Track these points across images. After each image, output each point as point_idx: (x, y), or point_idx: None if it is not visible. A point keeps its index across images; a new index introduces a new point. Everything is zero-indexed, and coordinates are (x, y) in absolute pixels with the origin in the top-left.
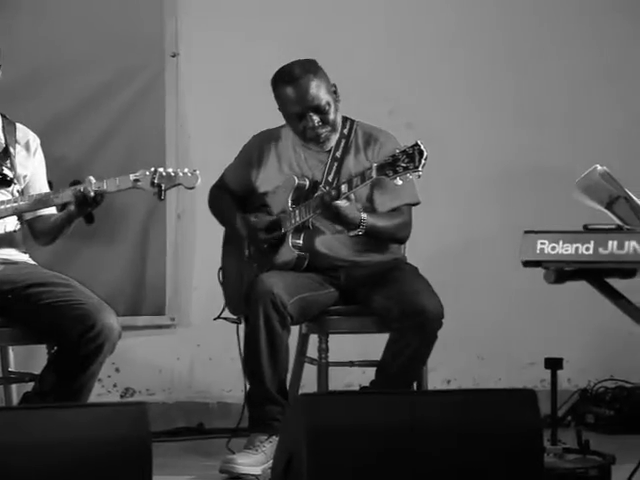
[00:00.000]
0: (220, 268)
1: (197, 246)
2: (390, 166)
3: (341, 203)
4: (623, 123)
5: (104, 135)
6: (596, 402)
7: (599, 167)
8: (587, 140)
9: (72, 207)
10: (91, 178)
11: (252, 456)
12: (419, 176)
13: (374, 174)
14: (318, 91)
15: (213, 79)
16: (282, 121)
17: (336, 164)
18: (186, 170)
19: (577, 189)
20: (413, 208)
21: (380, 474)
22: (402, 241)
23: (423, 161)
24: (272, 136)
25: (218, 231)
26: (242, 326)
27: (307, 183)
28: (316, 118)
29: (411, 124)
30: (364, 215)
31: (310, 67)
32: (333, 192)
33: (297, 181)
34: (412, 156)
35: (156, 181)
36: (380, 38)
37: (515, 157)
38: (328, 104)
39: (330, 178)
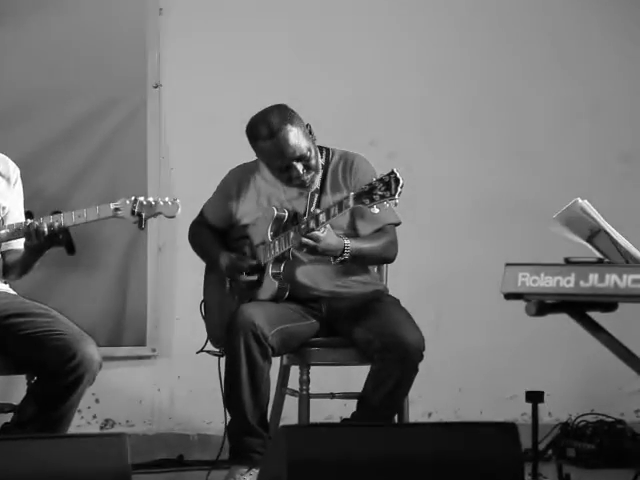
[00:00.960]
0: (202, 301)
1: (178, 277)
2: (367, 195)
3: (319, 233)
4: (605, 158)
5: (86, 165)
6: (577, 436)
7: (580, 200)
8: (568, 174)
9: (27, 242)
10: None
11: None
12: (395, 204)
13: (351, 203)
14: (298, 140)
15: (196, 111)
16: None
17: (317, 195)
18: (167, 199)
19: (557, 222)
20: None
21: None
22: (390, 260)
23: (399, 189)
24: (250, 169)
25: (199, 263)
26: (224, 359)
27: (286, 214)
28: (300, 167)
29: (393, 155)
30: (347, 240)
31: (285, 115)
32: (311, 223)
33: (276, 212)
34: (389, 184)
35: (136, 210)
36: (362, 68)
37: (497, 190)
38: (309, 150)
39: (313, 210)
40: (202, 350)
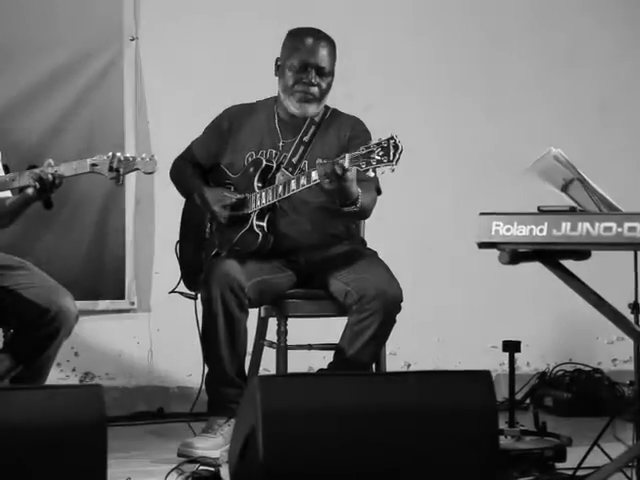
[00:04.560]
0: (178, 242)
1: (156, 231)
2: (363, 158)
3: (351, 175)
4: (580, 108)
5: (62, 118)
6: (554, 385)
7: (553, 150)
8: (544, 124)
9: (30, 191)
10: (50, 161)
11: (210, 439)
12: (392, 170)
13: (347, 164)
14: (329, 58)
15: (173, 63)
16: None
17: (302, 147)
18: (144, 155)
19: (532, 172)
20: None
21: (336, 456)
22: (367, 217)
23: (398, 155)
24: (247, 110)
25: (177, 216)
26: (199, 302)
27: (274, 165)
28: (315, 76)
29: (370, 107)
30: (359, 190)
31: (333, 42)
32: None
33: (265, 162)
34: (387, 149)
35: (114, 166)
36: (344, 20)
37: (473, 141)
38: (329, 74)
39: (294, 160)
40: (174, 290)
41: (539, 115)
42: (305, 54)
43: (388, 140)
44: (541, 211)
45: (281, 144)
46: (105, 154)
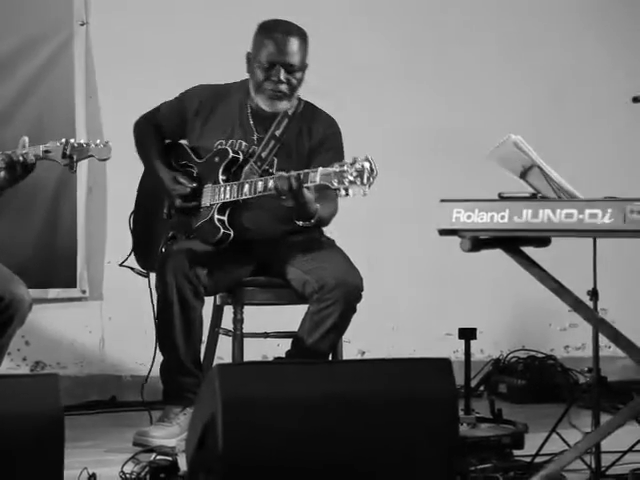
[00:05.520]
0: (132, 212)
1: (109, 219)
2: (336, 175)
3: (308, 192)
4: (536, 94)
5: (12, 105)
6: (508, 372)
7: (513, 136)
8: (502, 111)
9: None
10: (25, 138)
11: (166, 428)
12: (364, 193)
13: (317, 179)
14: (299, 54)
15: (124, 49)
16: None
17: (273, 142)
18: (98, 141)
19: (491, 158)
20: None
21: (296, 445)
22: (325, 226)
23: (372, 180)
24: (219, 93)
25: (129, 204)
26: (152, 279)
27: (241, 157)
28: (283, 73)
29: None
30: (317, 206)
31: (304, 34)
32: (300, 175)
33: (231, 154)
34: (361, 172)
35: (68, 152)
36: (292, 6)
37: (432, 126)
38: (300, 69)
39: (264, 155)
40: (123, 264)
41: (500, 100)
42: (273, 52)
43: (363, 162)
44: (502, 198)
45: (255, 138)
46: (58, 140)
